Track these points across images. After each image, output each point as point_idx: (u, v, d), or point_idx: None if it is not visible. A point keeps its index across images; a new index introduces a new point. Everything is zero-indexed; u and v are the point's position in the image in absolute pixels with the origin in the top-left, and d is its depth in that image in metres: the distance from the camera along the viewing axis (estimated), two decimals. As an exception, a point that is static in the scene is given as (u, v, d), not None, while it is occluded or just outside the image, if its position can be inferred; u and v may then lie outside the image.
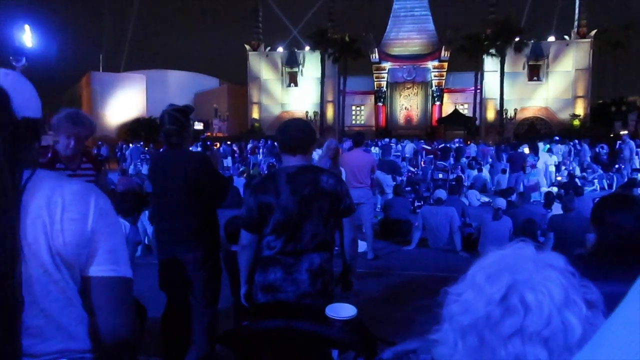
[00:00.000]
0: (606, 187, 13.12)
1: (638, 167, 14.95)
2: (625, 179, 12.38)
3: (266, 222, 2.29)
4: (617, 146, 16.81)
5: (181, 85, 49.32)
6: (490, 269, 0.76)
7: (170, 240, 3.11)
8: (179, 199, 3.07)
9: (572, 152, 16.20)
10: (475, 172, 13.75)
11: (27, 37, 15.67)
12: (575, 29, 37.44)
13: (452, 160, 14.53)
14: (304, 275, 2.27)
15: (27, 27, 15.49)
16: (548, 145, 16.28)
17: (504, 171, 12.82)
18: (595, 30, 36.74)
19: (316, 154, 13.95)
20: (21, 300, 0.92)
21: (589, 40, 36.75)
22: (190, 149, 3.64)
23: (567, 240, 5.49)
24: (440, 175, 11.92)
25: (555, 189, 11.08)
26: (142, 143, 24.91)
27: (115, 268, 1.07)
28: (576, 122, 35.28)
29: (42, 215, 0.99)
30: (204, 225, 3.11)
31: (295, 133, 2.40)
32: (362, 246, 6.71)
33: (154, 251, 3.94)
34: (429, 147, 18.75)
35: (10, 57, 15.78)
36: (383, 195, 10.07)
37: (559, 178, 13.24)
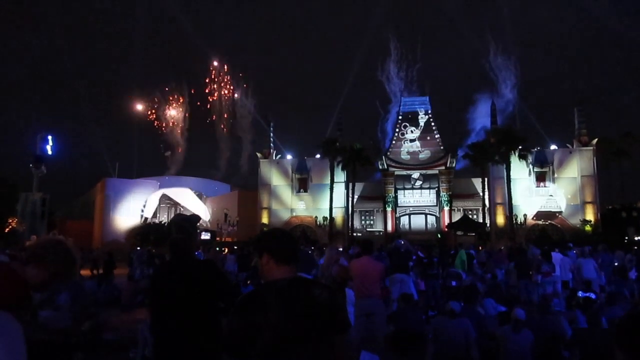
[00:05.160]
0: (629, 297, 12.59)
1: None
2: None
3: (253, 345, 1.97)
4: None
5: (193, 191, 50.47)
6: None
7: (172, 351, 3.00)
8: (185, 308, 3.00)
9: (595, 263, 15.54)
10: (489, 279, 13.34)
11: (49, 146, 16.43)
12: (577, 137, 38.56)
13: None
14: None
15: (49, 137, 16.31)
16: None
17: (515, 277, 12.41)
18: (596, 140, 37.76)
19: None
20: None
21: (591, 148, 37.66)
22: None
23: (594, 356, 5.13)
24: (454, 283, 11.54)
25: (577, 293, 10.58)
26: (149, 248, 24.99)
27: None
28: (588, 228, 35.01)
29: None
30: (207, 336, 3.03)
31: (291, 243, 2.26)
32: (373, 361, 6.30)
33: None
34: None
35: (30, 165, 16.43)
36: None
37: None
